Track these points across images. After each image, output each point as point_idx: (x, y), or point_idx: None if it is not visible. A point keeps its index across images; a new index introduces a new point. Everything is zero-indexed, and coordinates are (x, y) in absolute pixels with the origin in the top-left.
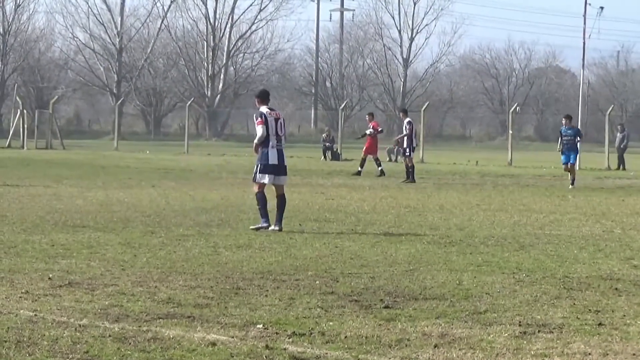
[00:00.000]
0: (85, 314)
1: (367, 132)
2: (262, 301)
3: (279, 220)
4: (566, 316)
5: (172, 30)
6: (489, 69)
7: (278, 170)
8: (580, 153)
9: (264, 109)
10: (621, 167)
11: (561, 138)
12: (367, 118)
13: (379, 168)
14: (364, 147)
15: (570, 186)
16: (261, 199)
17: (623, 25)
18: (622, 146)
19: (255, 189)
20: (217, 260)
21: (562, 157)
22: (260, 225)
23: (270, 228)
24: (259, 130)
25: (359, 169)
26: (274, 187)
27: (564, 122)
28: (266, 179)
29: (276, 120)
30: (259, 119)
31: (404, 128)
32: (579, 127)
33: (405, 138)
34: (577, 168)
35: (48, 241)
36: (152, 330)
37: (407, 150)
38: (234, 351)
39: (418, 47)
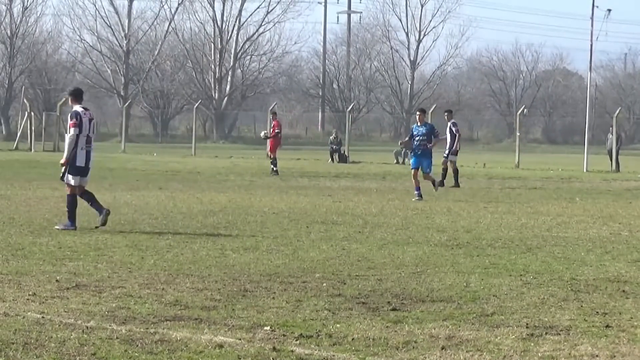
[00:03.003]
0: (93, 316)
1: (264, 133)
2: (270, 303)
3: (100, 208)
4: (573, 318)
5: (180, 33)
6: (496, 72)
7: (84, 172)
8: (432, 157)
9: (78, 108)
10: (616, 168)
11: (412, 138)
12: (271, 117)
13: (273, 168)
14: (269, 147)
15: (415, 198)
16: (72, 201)
17: (631, 27)
18: (617, 148)
19: (68, 190)
20: (225, 263)
21: (412, 161)
22: (65, 227)
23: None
24: (72, 132)
25: (274, 168)
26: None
27: (417, 117)
28: (74, 181)
29: (90, 120)
30: (74, 119)
31: (448, 130)
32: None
33: (449, 140)
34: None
35: (55, 243)
36: (159, 332)
37: (448, 152)
38: (241, 353)
39: (425, 50)
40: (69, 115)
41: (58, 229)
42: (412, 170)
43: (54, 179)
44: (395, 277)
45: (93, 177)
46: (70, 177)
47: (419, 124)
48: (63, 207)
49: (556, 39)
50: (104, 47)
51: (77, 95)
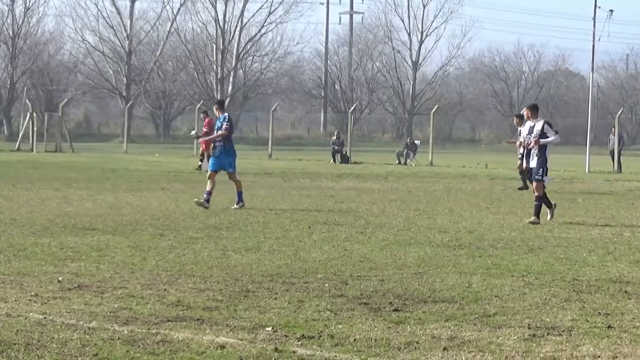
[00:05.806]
0: (95, 316)
1: (195, 132)
2: (271, 304)
3: None
4: (575, 319)
5: (182, 33)
6: (498, 72)
7: None
8: (236, 156)
9: None
10: (618, 168)
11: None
12: (202, 116)
13: (200, 164)
14: (202, 147)
15: (235, 205)
16: None
17: (633, 28)
18: (619, 149)
19: None
20: (226, 263)
21: (210, 163)
22: None
23: None
24: None
25: (200, 163)
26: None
27: (215, 108)
28: None
29: None
30: None
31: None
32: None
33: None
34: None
35: (57, 244)
36: (161, 332)
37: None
38: (243, 354)
39: (427, 50)
40: None
41: None
42: (209, 172)
43: (56, 180)
44: (397, 278)
45: (95, 178)
46: None
47: (217, 118)
48: (65, 208)
49: (558, 40)
50: (106, 47)
51: None
